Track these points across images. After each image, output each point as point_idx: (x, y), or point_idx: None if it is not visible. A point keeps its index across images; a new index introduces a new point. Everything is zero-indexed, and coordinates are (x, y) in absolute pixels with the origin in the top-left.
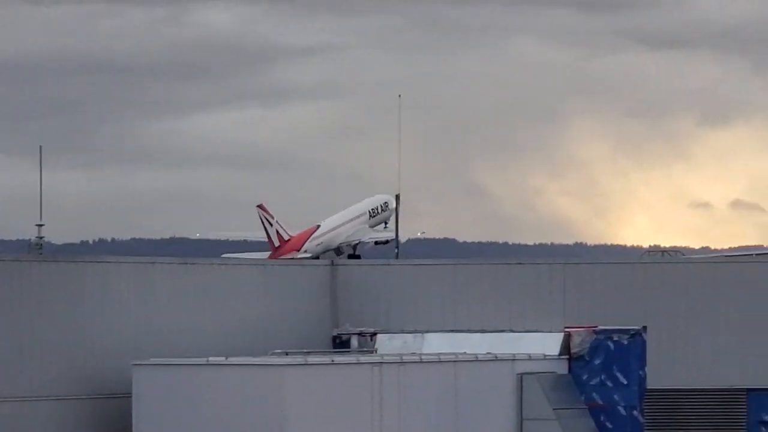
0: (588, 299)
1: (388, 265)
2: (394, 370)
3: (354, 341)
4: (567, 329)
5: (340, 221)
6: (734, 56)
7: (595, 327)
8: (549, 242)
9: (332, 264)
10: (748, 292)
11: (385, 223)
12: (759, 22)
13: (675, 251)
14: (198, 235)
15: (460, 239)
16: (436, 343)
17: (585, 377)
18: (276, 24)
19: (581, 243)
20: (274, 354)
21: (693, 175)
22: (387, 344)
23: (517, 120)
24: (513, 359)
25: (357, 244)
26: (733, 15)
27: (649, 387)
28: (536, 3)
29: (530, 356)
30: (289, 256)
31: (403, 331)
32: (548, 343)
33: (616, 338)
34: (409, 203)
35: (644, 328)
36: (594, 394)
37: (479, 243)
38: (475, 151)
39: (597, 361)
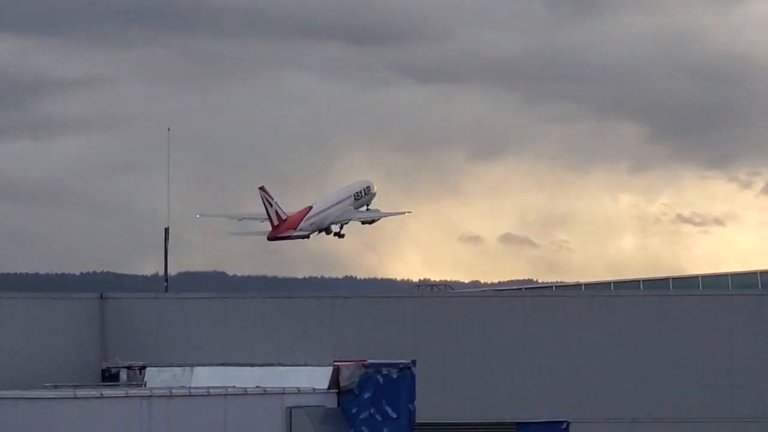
0: (358, 333)
1: (157, 298)
2: (164, 403)
3: (123, 374)
4: (336, 363)
5: (329, 203)
6: (505, 90)
7: (365, 361)
8: (319, 276)
9: (101, 297)
10: (517, 325)
11: (367, 206)
12: (529, 56)
13: (445, 285)
14: None
15: (230, 272)
16: (205, 377)
17: (354, 411)
18: (48, 56)
19: (351, 276)
20: (43, 387)
21: (463, 209)
22: (156, 377)
23: (288, 154)
24: (282, 393)
25: (345, 223)
26: (504, 49)
27: (418, 421)
28: (306, 36)
29: (299, 390)
30: (286, 233)
31: (172, 365)
32: (317, 377)
33: (385, 372)
34: (179, 236)
35: (413, 362)
36: (363, 428)
37: (249, 276)
38: (245, 185)
39: (366, 395)
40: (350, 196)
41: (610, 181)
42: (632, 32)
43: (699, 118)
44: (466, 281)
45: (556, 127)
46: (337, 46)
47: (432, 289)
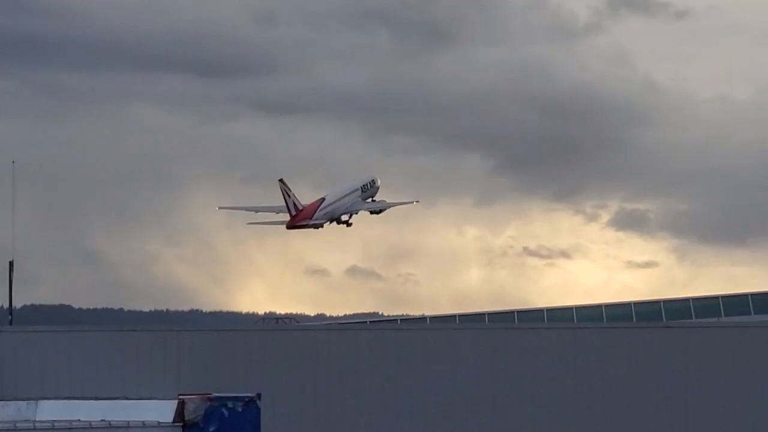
0: (203, 366)
1: (2, 331)
2: None
3: None
4: (181, 396)
5: (340, 195)
6: (351, 122)
7: (210, 394)
8: (165, 309)
9: None
10: (363, 358)
11: (372, 198)
12: (375, 89)
13: (290, 318)
14: None
15: (76, 305)
16: (50, 410)
17: None
18: None
19: (197, 310)
20: None
21: (309, 241)
22: (0, 411)
23: (135, 186)
24: (127, 426)
25: (355, 213)
26: (350, 81)
27: None
28: (153, 69)
29: (144, 423)
30: (302, 222)
31: (17, 398)
32: (163, 410)
33: (230, 405)
34: (24, 270)
35: (259, 395)
36: None
37: (95, 309)
38: (92, 217)
39: (211, 429)
40: (358, 188)
41: (456, 213)
42: (478, 65)
43: (545, 151)
44: (312, 314)
45: (402, 160)
46: (184, 79)
47: (277, 322)
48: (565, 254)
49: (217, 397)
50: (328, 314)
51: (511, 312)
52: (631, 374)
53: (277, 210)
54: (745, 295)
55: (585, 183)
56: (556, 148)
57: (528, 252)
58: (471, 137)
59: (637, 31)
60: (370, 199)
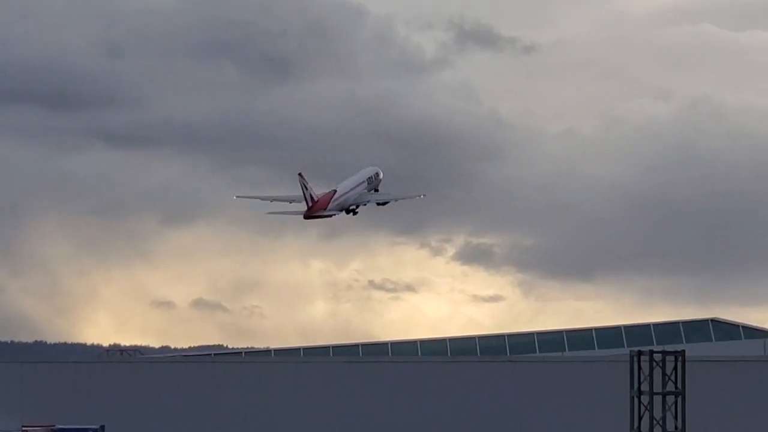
0: (47, 397)
1: None
2: None
3: None
4: (25, 427)
5: (349, 187)
6: (198, 155)
7: (53, 426)
8: (9, 340)
9: None
10: (208, 390)
11: (375, 189)
12: (223, 122)
13: (135, 350)
14: None
15: None
16: None
17: None
18: None
19: (41, 341)
20: None
21: (155, 274)
22: None
23: None
24: None
25: (364, 204)
26: (198, 114)
27: None
28: (1, 100)
29: None
30: (318, 213)
31: None
32: None
33: None
34: None
35: (102, 427)
36: None
37: None
38: None
39: None
40: (364, 181)
41: (302, 247)
42: (326, 99)
43: (391, 185)
44: (157, 346)
45: (249, 192)
46: (32, 109)
47: (122, 354)
48: (410, 288)
49: (60, 428)
50: (173, 346)
51: (356, 345)
52: (475, 407)
53: (290, 200)
54: (589, 330)
55: (431, 217)
56: (402, 181)
57: (373, 285)
58: (317, 170)
59: (484, 66)
60: (374, 191)
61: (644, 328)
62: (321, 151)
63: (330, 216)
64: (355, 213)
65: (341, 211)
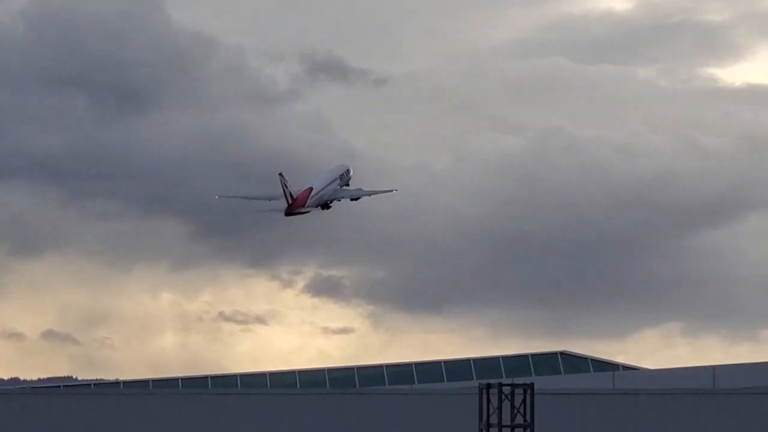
0: None
1: None
2: None
3: None
4: None
5: (323, 184)
6: (48, 186)
7: None
8: None
9: None
10: (56, 422)
11: (347, 185)
12: (73, 153)
13: None
14: None
15: None
16: None
17: None
18: None
19: None
20: None
21: (4, 305)
22: None
23: None
24: None
25: (338, 200)
26: (47, 145)
27: None
28: None
29: None
30: (297, 210)
31: None
32: None
33: None
34: None
35: None
36: None
37: None
38: None
39: None
40: (336, 178)
41: (152, 278)
42: (176, 130)
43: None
44: (6, 378)
45: (98, 224)
46: None
47: None
48: (260, 320)
49: None
50: (22, 378)
51: (205, 377)
52: None
53: (269, 198)
54: (438, 362)
55: (281, 249)
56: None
57: (223, 317)
58: (168, 202)
59: (336, 98)
60: (345, 186)
61: (493, 360)
62: (172, 183)
63: (307, 212)
64: (328, 208)
65: (317, 207)
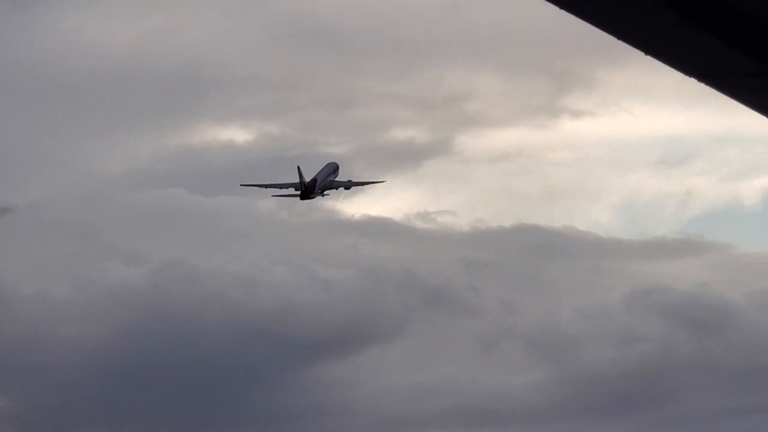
0: None
1: None
2: None
3: None
4: None
5: (324, 176)
6: None
7: None
8: None
9: None
10: None
11: (336, 177)
12: None
13: None
14: None
15: None
16: None
17: None
18: None
19: None
20: None
21: None
22: None
23: None
24: None
25: (335, 188)
26: None
27: None
28: None
29: None
30: (309, 195)
31: None
32: None
33: None
34: None
35: None
36: None
37: None
38: None
39: None
40: (331, 172)
41: None
42: None
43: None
44: None
45: None
46: None
47: None
48: None
49: None
50: None
51: None
52: None
53: (288, 186)
54: None
55: None
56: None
57: None
58: None
59: None
60: (335, 178)
61: None
62: None
63: (315, 197)
64: (324, 195)
65: (321, 193)
